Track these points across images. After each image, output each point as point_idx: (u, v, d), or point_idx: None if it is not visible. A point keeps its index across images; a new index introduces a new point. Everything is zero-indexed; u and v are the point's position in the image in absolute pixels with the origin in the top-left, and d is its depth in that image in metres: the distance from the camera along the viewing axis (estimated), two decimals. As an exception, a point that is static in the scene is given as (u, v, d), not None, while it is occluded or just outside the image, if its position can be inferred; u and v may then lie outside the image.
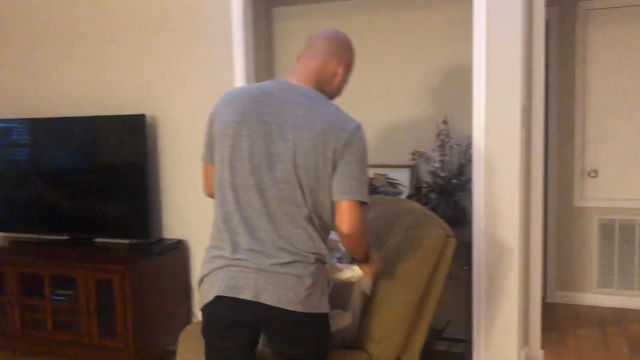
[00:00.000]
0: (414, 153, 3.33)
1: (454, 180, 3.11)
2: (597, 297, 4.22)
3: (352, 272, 1.88)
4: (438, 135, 3.18)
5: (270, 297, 1.67)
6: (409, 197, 3.28)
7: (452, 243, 2.11)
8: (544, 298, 4.38)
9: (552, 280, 4.36)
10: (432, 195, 3.20)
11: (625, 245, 4.13)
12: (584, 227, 4.24)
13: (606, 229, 4.17)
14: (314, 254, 1.71)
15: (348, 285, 1.98)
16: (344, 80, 1.87)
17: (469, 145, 3.14)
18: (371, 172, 3.44)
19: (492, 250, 2.77)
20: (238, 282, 1.69)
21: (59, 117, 3.56)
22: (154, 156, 3.50)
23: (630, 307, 4.15)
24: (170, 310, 3.37)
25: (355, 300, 2.02)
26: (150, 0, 3.41)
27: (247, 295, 1.68)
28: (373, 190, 3.39)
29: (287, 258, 1.68)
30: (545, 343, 3.54)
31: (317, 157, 1.67)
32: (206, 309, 1.75)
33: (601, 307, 4.16)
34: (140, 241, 3.39)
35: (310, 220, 1.70)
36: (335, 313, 1.93)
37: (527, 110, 3.01)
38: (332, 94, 1.87)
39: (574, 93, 4.16)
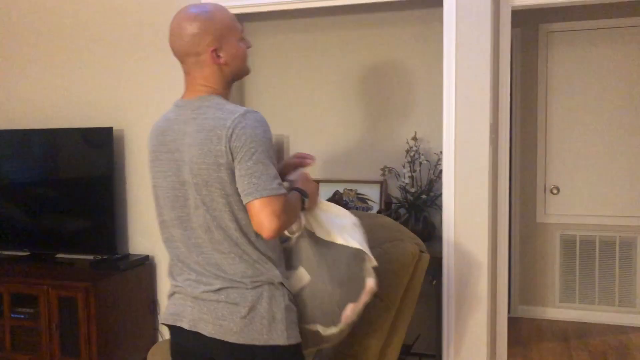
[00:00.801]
0: (383, 169, 3.36)
1: (424, 196, 3.15)
2: (560, 312, 4.31)
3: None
4: (408, 151, 3.22)
5: (205, 327, 1.57)
6: (379, 212, 3.29)
7: (426, 258, 2.13)
8: (508, 312, 4.45)
9: (516, 295, 4.44)
10: (402, 211, 3.23)
11: (586, 260, 4.25)
12: (547, 243, 4.34)
13: (568, 245, 4.28)
14: (251, 277, 1.55)
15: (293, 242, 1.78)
16: (226, 63, 1.61)
17: (438, 161, 3.19)
18: (341, 188, 3.46)
19: (461, 265, 2.81)
20: (178, 309, 1.63)
21: (20, 129, 3.47)
22: (120, 170, 3.44)
23: (591, 321, 4.25)
24: (135, 327, 3.29)
25: (303, 250, 1.74)
26: (118, 12, 3.36)
27: (184, 324, 1.60)
28: (344, 205, 3.39)
29: (218, 285, 1.56)
30: (510, 357, 3.59)
31: (210, 170, 1.51)
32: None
33: (564, 321, 4.25)
34: (105, 257, 3.31)
35: (237, 240, 1.55)
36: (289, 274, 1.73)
37: (494, 128, 3.08)
38: (229, 77, 1.65)
39: (537, 112, 4.28)
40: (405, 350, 3.24)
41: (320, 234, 1.72)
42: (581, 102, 4.17)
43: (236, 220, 1.54)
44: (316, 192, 1.72)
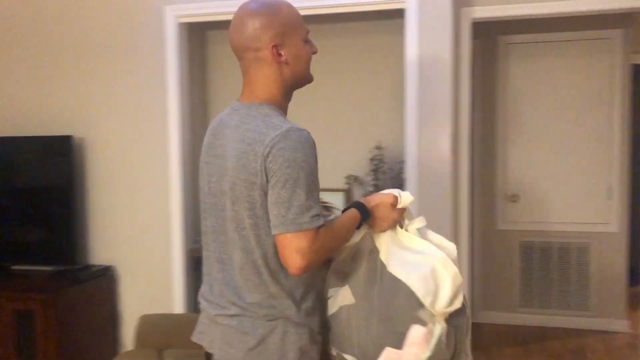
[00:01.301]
0: (348, 177, 3.38)
1: (387, 204, 3.18)
2: (520, 316, 4.40)
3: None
4: (372, 159, 3.26)
5: (215, 350, 1.49)
6: (344, 220, 3.31)
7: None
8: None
9: (478, 301, 4.51)
10: (366, 219, 3.25)
11: (544, 266, 4.36)
12: (506, 250, 4.44)
13: (527, 251, 4.39)
14: (266, 309, 1.43)
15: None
16: (286, 62, 1.48)
17: (401, 169, 3.23)
18: (306, 196, 3.46)
19: (425, 273, 2.84)
20: (202, 327, 1.56)
21: (-25, 137, 3.36)
22: (81, 179, 3.36)
23: (549, 325, 4.36)
24: (96, 340, 3.21)
25: (356, 269, 1.53)
26: (81, 19, 3.30)
27: (204, 343, 1.53)
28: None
29: (233, 310, 1.46)
30: (473, 362, 3.65)
31: (242, 186, 1.39)
32: None
33: (524, 326, 4.34)
34: (64, 268, 3.22)
35: (259, 268, 1.42)
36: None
37: (455, 137, 3.14)
38: (290, 81, 1.52)
39: (496, 122, 4.39)
40: None
41: (382, 257, 1.52)
42: (538, 112, 4.29)
43: (261, 246, 1.41)
44: (388, 219, 1.53)
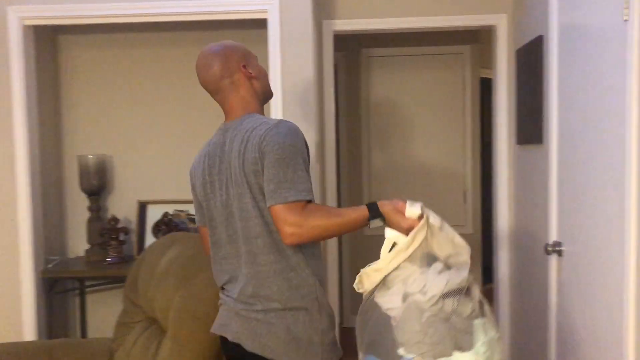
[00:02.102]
0: (214, 188, 3.32)
1: (255, 215, 3.16)
2: (387, 318, 4.57)
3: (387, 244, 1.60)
4: (238, 170, 3.22)
5: (246, 341, 1.63)
6: (211, 233, 3.24)
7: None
8: (341, 323, 4.62)
9: (348, 306, 4.63)
10: (234, 230, 3.21)
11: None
12: (373, 255, 4.58)
13: (392, 255, 4.57)
14: (288, 298, 1.62)
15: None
16: (255, 76, 1.76)
17: (268, 180, 3.23)
18: (171, 209, 3.35)
19: (292, 282, 2.86)
20: (225, 320, 1.71)
21: None
22: None
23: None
24: None
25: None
26: None
27: (229, 335, 1.67)
28: (174, 227, 3.29)
29: (258, 305, 1.63)
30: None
31: (250, 177, 1.60)
32: None
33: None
34: None
35: (270, 251, 1.62)
36: None
37: (320, 147, 3.20)
38: (261, 95, 1.79)
39: (361, 130, 4.55)
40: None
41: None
42: (398, 122, 4.51)
43: (270, 231, 1.61)
44: (401, 227, 1.66)
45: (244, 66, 1.74)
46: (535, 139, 2.73)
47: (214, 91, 1.75)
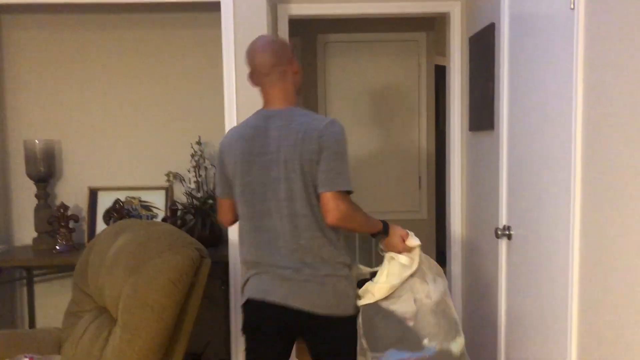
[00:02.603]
0: (168, 174, 3.26)
1: (210, 201, 3.12)
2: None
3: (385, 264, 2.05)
4: (193, 155, 3.17)
5: (295, 301, 1.91)
6: (165, 219, 3.19)
7: (207, 263, 2.11)
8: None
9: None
10: (189, 217, 3.16)
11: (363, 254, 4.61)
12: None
13: (353, 236, 4.60)
14: (331, 261, 1.94)
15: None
16: (298, 72, 2.04)
17: (223, 165, 3.19)
18: (123, 196, 3.27)
19: (247, 268, 2.84)
20: (267, 287, 1.95)
21: None
22: None
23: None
24: None
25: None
26: None
27: (276, 298, 1.92)
28: (126, 214, 3.22)
29: (306, 270, 1.92)
30: (298, 352, 3.74)
31: (303, 164, 1.88)
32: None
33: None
34: None
35: (317, 225, 1.90)
36: None
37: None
38: (298, 90, 2.06)
39: (318, 117, 4.53)
40: (195, 358, 3.18)
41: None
42: (354, 108, 4.52)
43: (314, 212, 1.90)
44: (396, 247, 2.07)
45: (293, 61, 2.02)
46: (487, 125, 2.78)
47: (265, 74, 1.98)
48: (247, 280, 2.00)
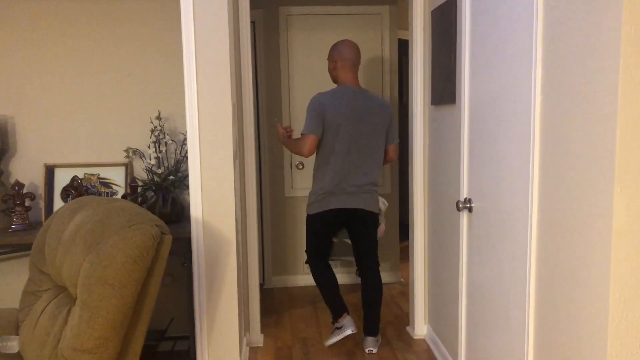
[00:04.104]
0: (127, 150, 3.19)
1: (171, 177, 3.07)
2: (308, 278, 4.63)
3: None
4: (153, 131, 3.10)
5: (365, 204, 3.32)
6: (124, 196, 3.12)
7: (168, 240, 2.07)
8: (262, 285, 4.64)
9: (269, 267, 4.65)
10: (150, 194, 3.11)
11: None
12: (295, 216, 4.61)
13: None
14: (375, 185, 3.36)
15: None
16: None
17: (184, 141, 3.13)
18: (81, 173, 3.19)
19: (210, 244, 2.82)
20: (344, 199, 3.29)
21: None
22: None
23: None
24: None
25: None
26: None
27: (349, 205, 3.29)
28: (84, 191, 3.14)
29: (368, 187, 3.31)
30: (264, 327, 3.76)
31: (382, 126, 3.31)
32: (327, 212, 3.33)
33: (311, 286, 4.58)
34: None
35: (380, 162, 3.37)
36: None
37: (238, 107, 3.13)
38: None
39: (281, 91, 4.49)
40: (159, 335, 3.15)
41: None
42: (319, 82, 4.48)
43: (382, 153, 3.36)
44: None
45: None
46: (449, 99, 2.80)
47: (355, 66, 3.30)
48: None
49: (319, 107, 3.13)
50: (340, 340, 3.48)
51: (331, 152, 3.19)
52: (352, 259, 4.47)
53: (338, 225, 3.38)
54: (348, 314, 3.44)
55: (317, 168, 3.32)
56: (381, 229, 3.49)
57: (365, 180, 3.23)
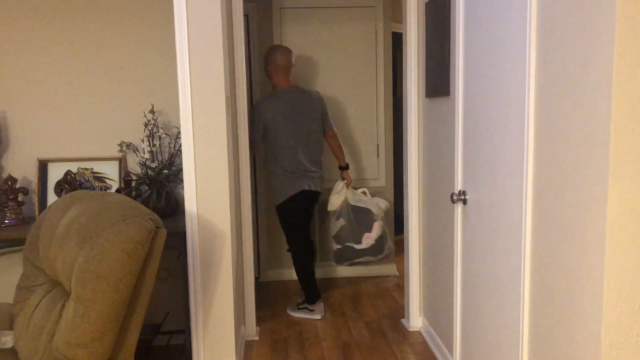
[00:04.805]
0: (121, 144, 3.17)
1: (165, 171, 3.06)
2: (304, 271, 4.62)
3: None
4: (146, 125, 3.09)
5: (319, 188, 3.83)
6: (118, 190, 3.11)
7: (163, 234, 2.07)
8: (257, 278, 4.64)
9: (264, 261, 4.65)
10: (144, 188, 3.10)
11: (322, 224, 4.63)
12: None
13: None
14: (322, 168, 3.89)
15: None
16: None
17: (178, 134, 3.12)
18: (74, 167, 3.18)
19: (205, 238, 2.81)
20: (309, 182, 3.76)
21: None
22: None
23: (328, 277, 4.68)
24: None
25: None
26: None
27: (313, 188, 3.78)
28: (78, 186, 3.12)
29: (319, 171, 3.82)
30: (260, 320, 3.76)
31: (319, 116, 3.83)
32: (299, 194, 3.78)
33: (307, 280, 4.57)
34: None
35: (320, 148, 3.85)
36: None
37: (231, 100, 3.12)
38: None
39: (275, 85, 4.47)
40: (155, 329, 3.15)
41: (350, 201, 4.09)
42: (313, 75, 4.47)
43: (321, 138, 3.88)
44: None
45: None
46: (443, 91, 2.79)
47: (287, 69, 3.80)
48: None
49: (259, 116, 3.69)
50: (334, 332, 3.49)
51: (282, 147, 3.70)
52: None
53: (308, 205, 3.85)
54: (321, 300, 3.90)
55: (273, 163, 3.77)
56: (375, 226, 3.94)
57: (315, 165, 3.79)
